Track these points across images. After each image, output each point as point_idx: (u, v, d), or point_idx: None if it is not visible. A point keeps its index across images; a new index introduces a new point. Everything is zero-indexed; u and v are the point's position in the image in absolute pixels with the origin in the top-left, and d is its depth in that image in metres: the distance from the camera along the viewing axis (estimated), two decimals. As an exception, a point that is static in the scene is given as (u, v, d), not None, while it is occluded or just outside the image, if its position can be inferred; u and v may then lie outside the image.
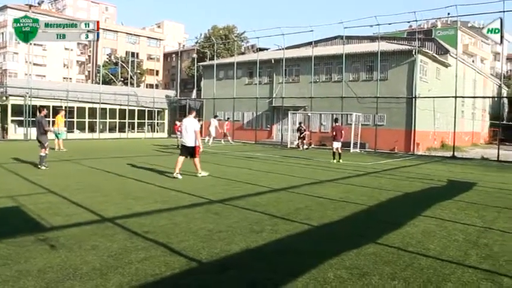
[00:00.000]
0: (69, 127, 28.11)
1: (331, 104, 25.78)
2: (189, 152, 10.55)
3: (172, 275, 3.89)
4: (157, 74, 66.21)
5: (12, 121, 26.97)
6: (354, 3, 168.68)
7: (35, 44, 37.05)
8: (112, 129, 32.09)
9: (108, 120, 31.68)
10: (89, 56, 66.94)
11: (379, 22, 23.59)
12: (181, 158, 10.55)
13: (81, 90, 30.72)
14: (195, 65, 39.76)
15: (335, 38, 34.27)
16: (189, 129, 10.45)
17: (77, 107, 29.59)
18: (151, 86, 49.15)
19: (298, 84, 28.81)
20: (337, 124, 17.10)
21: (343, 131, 16.95)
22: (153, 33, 73.47)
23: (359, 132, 23.43)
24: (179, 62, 44.75)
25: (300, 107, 27.86)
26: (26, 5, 32.89)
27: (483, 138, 38.55)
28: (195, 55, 42.96)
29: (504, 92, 45.68)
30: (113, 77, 50.24)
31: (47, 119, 13.31)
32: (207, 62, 35.82)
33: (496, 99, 42.18)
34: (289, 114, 26.27)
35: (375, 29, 25.19)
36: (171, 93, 40.61)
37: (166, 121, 35.51)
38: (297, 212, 6.82)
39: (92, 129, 30.65)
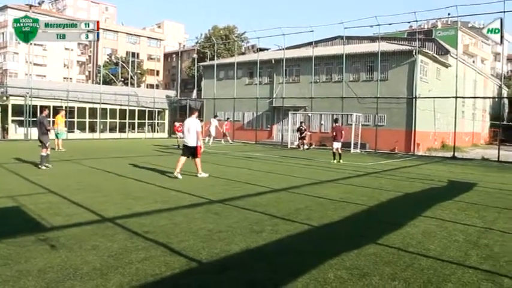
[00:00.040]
0: (70, 127, 28.13)
1: (332, 104, 25.77)
2: (191, 152, 10.57)
3: (172, 275, 3.89)
4: (157, 74, 66.22)
5: (13, 121, 26.99)
6: (354, 4, 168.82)
7: (35, 44, 37.06)
8: (112, 130, 32.11)
9: (108, 120, 31.69)
10: (90, 56, 66.98)
11: (380, 22, 23.61)
12: (182, 158, 10.56)
13: (81, 90, 30.74)
14: (196, 65, 39.78)
15: (335, 38, 34.25)
16: (191, 130, 10.47)
17: (78, 107, 29.61)
18: (151, 86, 49.15)
19: (298, 85, 28.80)
20: (337, 124, 17.08)
21: (343, 131, 16.94)
22: (153, 34, 73.51)
23: (359, 133, 23.42)
24: (179, 62, 44.79)
25: (300, 107, 27.86)
26: (27, 5, 32.92)
27: (483, 138, 38.52)
28: (195, 55, 42.98)
29: (504, 93, 45.68)
30: (113, 77, 50.25)
31: (48, 119, 13.32)
32: (208, 62, 35.81)
33: (496, 99, 42.18)
34: (289, 114, 26.27)
35: (375, 29, 25.11)
36: (172, 93, 40.63)
37: (166, 121, 35.51)
38: (297, 212, 6.82)
39: (92, 129, 30.66)
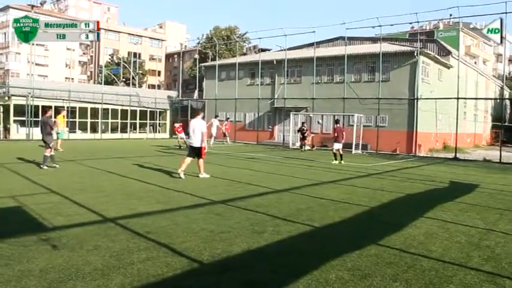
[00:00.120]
0: (71, 127, 28.22)
1: (333, 105, 25.77)
2: (196, 152, 10.58)
3: (174, 276, 3.89)
4: (159, 75, 66.36)
5: (15, 121, 27.03)
6: (356, 5, 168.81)
7: (37, 44, 37.09)
8: (114, 130, 32.18)
9: (110, 120, 31.76)
10: (91, 56, 67.11)
11: (381, 23, 23.61)
12: (188, 159, 10.58)
13: (83, 91, 30.83)
14: (197, 66, 39.82)
15: (337, 39, 34.20)
16: (196, 131, 10.46)
17: (79, 107, 29.65)
18: (153, 86, 49.26)
19: (300, 85, 28.80)
20: (338, 125, 17.05)
21: (344, 132, 16.92)
22: (155, 34, 73.64)
23: (361, 134, 23.40)
24: (181, 62, 44.86)
25: (301, 108, 27.86)
26: (28, 5, 33.02)
27: (485, 139, 38.44)
28: (197, 56, 43.01)
29: (506, 94, 45.53)
30: (115, 78, 50.34)
31: (52, 120, 13.33)
32: (209, 63, 35.86)
33: (498, 100, 42.06)
34: (291, 115, 26.28)
35: (377, 30, 25.25)
36: (173, 93, 40.69)
37: (168, 122, 35.55)
38: (299, 213, 6.82)
39: (94, 129, 30.71)
